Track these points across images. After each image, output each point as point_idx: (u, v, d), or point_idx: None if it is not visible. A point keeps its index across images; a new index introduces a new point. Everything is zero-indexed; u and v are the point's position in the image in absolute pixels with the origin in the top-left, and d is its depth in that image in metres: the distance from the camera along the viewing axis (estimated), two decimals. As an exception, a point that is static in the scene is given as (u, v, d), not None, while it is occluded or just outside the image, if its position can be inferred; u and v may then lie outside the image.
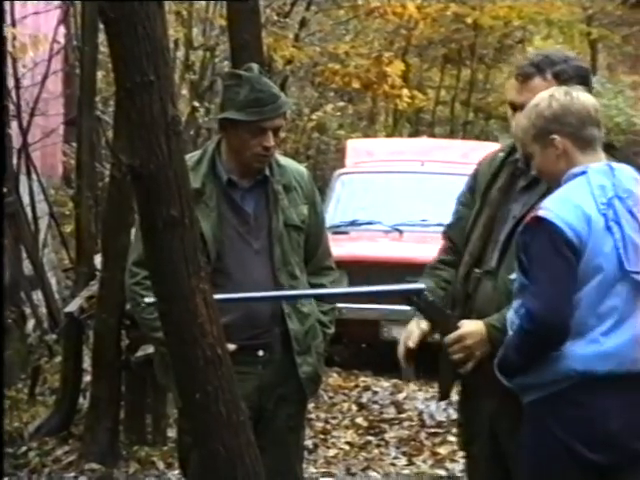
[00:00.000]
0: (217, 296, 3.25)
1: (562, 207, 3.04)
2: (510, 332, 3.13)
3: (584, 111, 3.15)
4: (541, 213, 3.05)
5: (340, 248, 8.18)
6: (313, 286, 3.86)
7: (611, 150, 3.40)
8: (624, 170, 3.16)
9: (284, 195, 3.80)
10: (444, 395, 3.68)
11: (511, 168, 3.49)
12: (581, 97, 3.16)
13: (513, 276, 3.18)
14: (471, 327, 3.35)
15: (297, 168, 3.94)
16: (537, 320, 3.00)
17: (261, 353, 3.76)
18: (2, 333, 6.41)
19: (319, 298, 3.83)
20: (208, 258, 3.65)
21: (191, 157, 3.82)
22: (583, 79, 3.44)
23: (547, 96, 3.17)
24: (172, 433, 6.39)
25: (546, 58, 3.48)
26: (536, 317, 3.00)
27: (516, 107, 3.44)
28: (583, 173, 3.11)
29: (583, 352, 3.03)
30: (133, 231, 6.29)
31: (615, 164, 3.16)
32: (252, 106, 3.66)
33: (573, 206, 3.04)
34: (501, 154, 3.58)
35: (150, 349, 6.23)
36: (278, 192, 3.80)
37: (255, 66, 3.84)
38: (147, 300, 3.52)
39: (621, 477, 3.12)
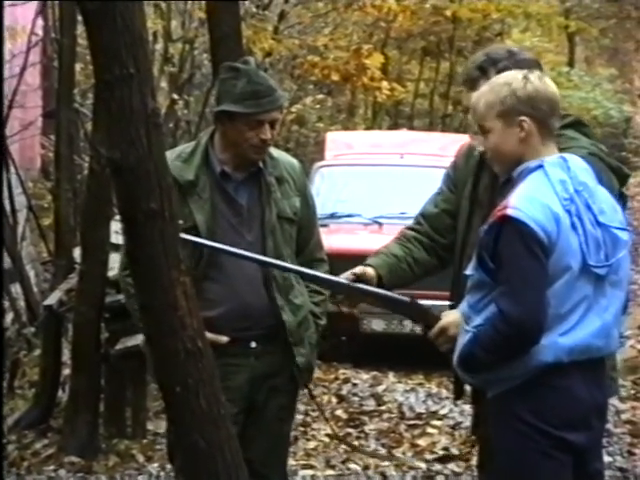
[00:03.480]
0: (184, 235, 3.26)
1: (531, 206, 3.02)
2: (466, 327, 3.12)
3: (555, 99, 3.14)
4: (510, 212, 3.02)
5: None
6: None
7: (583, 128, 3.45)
8: (576, 161, 3.13)
9: (277, 187, 3.82)
10: (459, 394, 3.75)
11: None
12: (552, 84, 3.16)
13: (469, 272, 3.16)
14: (450, 317, 3.37)
15: (289, 160, 3.96)
16: (515, 324, 2.99)
17: (254, 345, 3.77)
18: (1, 330, 6.40)
19: (305, 278, 3.79)
20: (202, 250, 3.67)
21: (184, 148, 3.85)
22: None
23: (521, 77, 3.14)
24: (151, 426, 6.39)
25: (488, 58, 3.52)
26: (514, 321, 2.99)
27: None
28: (539, 167, 3.09)
29: (553, 346, 3.04)
30: (112, 224, 6.29)
31: (567, 155, 3.14)
32: (249, 98, 3.68)
33: (541, 205, 3.02)
34: (476, 152, 3.59)
35: (129, 342, 6.24)
36: (271, 184, 3.81)
37: (252, 59, 3.87)
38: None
39: (587, 456, 3.16)
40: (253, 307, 3.73)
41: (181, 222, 3.63)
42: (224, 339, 3.63)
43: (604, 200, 3.14)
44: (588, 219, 3.06)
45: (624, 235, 3.14)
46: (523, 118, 3.11)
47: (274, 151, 3.92)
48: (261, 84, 3.72)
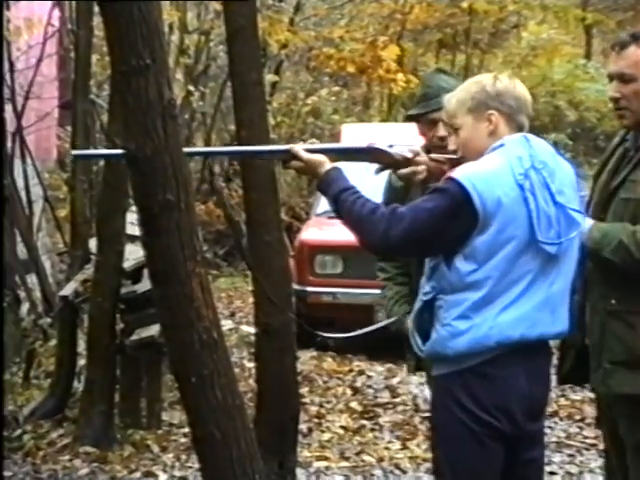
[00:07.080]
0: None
1: (475, 173, 3.08)
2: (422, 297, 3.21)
3: (523, 98, 3.27)
4: (454, 174, 3.09)
5: (333, 232, 8.18)
6: None
7: None
8: (540, 142, 3.22)
9: None
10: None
11: (621, 151, 3.56)
12: (522, 86, 3.29)
13: None
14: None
15: None
16: (386, 236, 3.08)
17: None
18: (2, 323, 6.41)
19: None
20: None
21: None
22: None
23: (491, 76, 3.30)
24: (166, 417, 6.41)
25: None
26: (389, 235, 3.08)
27: (612, 77, 3.49)
28: (501, 146, 3.18)
29: (497, 319, 3.07)
30: (128, 215, 6.30)
31: (530, 135, 3.23)
32: (421, 100, 4.07)
33: (488, 174, 3.08)
34: (615, 140, 3.63)
35: (144, 333, 6.25)
36: None
37: (437, 67, 4.29)
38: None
39: (522, 446, 3.20)
40: None
41: None
42: None
43: (565, 182, 3.20)
44: (542, 197, 3.11)
45: (579, 218, 3.19)
46: (491, 112, 3.23)
47: None
48: (432, 86, 4.05)
